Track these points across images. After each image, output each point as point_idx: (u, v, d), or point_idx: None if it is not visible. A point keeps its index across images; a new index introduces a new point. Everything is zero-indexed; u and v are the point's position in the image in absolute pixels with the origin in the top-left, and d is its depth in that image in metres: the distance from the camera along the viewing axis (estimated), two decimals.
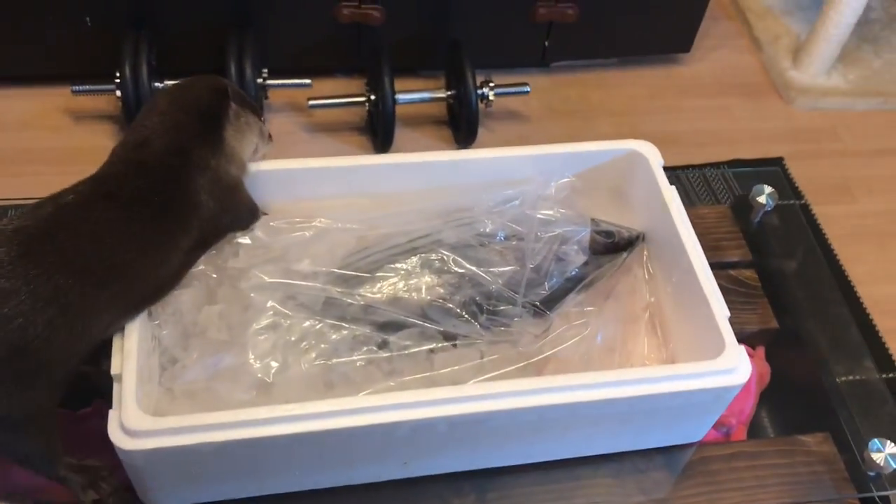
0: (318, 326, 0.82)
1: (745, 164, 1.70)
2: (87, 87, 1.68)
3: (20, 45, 1.71)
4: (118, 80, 1.62)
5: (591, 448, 0.88)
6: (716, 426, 0.94)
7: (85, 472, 0.81)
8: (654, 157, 0.95)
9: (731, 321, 0.84)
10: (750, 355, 1.03)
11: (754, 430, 0.99)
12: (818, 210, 1.60)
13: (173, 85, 0.92)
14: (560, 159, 0.95)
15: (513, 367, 0.83)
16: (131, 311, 0.78)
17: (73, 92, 1.68)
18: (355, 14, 1.71)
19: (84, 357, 0.76)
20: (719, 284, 0.86)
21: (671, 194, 0.92)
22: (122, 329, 0.77)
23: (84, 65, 1.74)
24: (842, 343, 1.04)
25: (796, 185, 1.62)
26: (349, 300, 0.83)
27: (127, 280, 0.76)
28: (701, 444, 0.93)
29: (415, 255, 0.88)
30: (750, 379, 1.00)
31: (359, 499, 0.85)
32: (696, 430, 0.90)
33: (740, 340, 0.83)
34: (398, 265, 0.88)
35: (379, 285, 0.86)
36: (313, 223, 0.89)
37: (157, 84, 1.69)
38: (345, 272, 0.85)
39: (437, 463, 0.84)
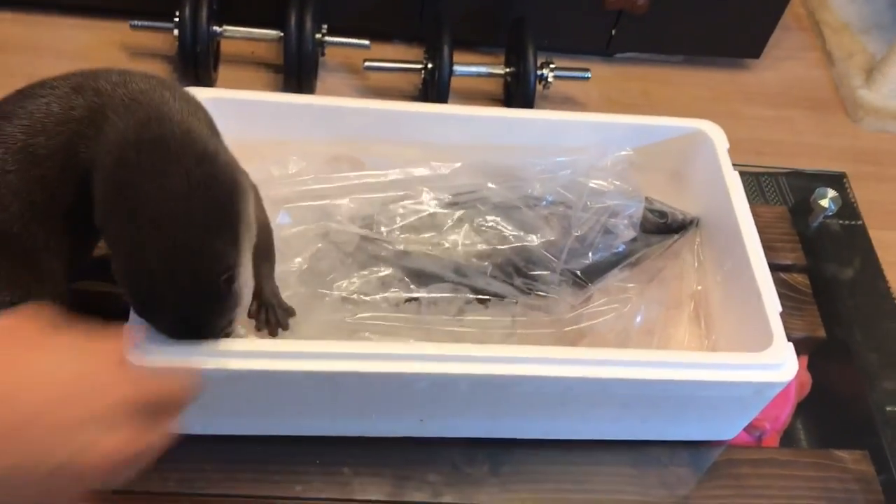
0: (348, 263, 0.79)
1: (804, 176, 1.65)
2: (146, 23, 1.67)
3: None
4: (177, 20, 1.61)
5: (615, 432, 0.84)
6: (748, 429, 0.89)
7: None
8: (720, 140, 0.91)
9: None
10: None
11: (787, 440, 0.94)
12: (874, 234, 1.54)
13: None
14: (620, 130, 0.91)
15: (545, 334, 0.78)
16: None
17: (132, 27, 1.67)
18: None
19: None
20: None
21: (734, 179, 0.88)
22: None
23: (144, 2, 1.73)
24: (893, 362, 0.98)
25: (855, 204, 1.56)
26: (384, 244, 0.80)
27: None
28: (730, 445, 0.88)
29: (456, 209, 0.85)
30: (790, 386, 0.95)
31: (369, 453, 0.81)
32: (728, 428, 0.86)
33: None
34: (437, 218, 0.84)
35: (416, 236, 0.83)
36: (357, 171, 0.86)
37: (215, 28, 1.68)
38: (381, 218, 0.82)
39: (455, 425, 0.81)
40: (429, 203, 0.86)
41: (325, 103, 0.88)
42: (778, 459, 0.89)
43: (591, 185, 0.86)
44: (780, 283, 1.02)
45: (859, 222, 1.51)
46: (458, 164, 0.88)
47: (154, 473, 0.79)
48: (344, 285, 0.79)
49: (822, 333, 0.99)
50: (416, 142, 0.89)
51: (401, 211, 0.84)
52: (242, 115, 0.85)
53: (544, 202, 0.86)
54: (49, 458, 0.40)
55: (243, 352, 0.70)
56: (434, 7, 1.72)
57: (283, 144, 0.87)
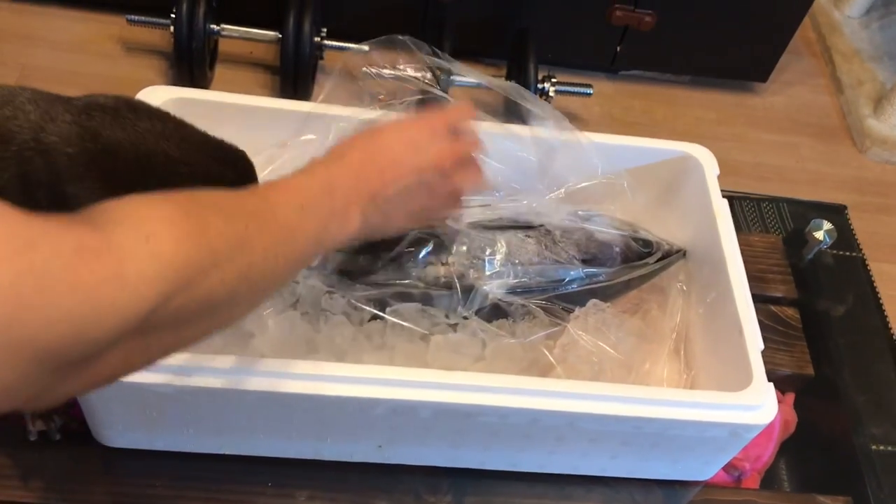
0: (308, 280, 0.75)
1: (805, 204, 1.61)
2: (143, 18, 1.64)
3: None
4: (174, 16, 1.58)
5: (585, 467, 0.80)
6: (727, 468, 0.86)
7: None
8: (710, 166, 0.87)
9: (763, 359, 0.76)
10: (778, 400, 0.94)
11: (768, 480, 0.90)
12: (875, 266, 1.50)
13: (217, 145, 0.67)
14: (609, 150, 0.87)
15: (515, 361, 0.75)
16: None
17: (129, 21, 1.65)
18: None
19: None
20: (757, 318, 0.78)
21: (722, 208, 0.84)
22: None
23: None
24: (882, 404, 0.95)
25: (855, 236, 1.52)
26: (350, 257, 0.76)
27: None
28: (707, 485, 0.84)
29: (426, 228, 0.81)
30: (773, 424, 0.91)
31: (326, 476, 0.78)
32: (704, 468, 0.82)
33: (769, 381, 0.75)
34: (412, 234, 0.80)
35: (384, 253, 0.79)
36: None
37: (213, 26, 1.65)
38: None
39: (416, 452, 0.77)
40: None
41: (286, 107, 0.86)
42: (757, 502, 0.85)
43: (574, 209, 0.82)
44: (769, 316, 0.98)
45: (858, 254, 1.47)
46: None
47: (100, 487, 0.76)
48: (305, 299, 0.75)
49: (810, 371, 0.95)
50: None
51: None
52: (208, 115, 0.82)
53: (523, 224, 0.82)
54: (418, 169, 0.65)
55: (193, 367, 0.67)
56: (437, 15, 1.69)
57: (253, 146, 0.84)
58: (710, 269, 0.82)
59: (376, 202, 0.63)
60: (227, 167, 0.65)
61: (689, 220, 0.88)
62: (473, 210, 0.83)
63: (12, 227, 0.39)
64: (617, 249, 0.82)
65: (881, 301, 1.46)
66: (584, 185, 0.86)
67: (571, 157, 0.86)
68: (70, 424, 0.77)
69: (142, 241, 0.43)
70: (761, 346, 0.75)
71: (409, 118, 0.73)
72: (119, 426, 0.73)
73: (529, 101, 0.88)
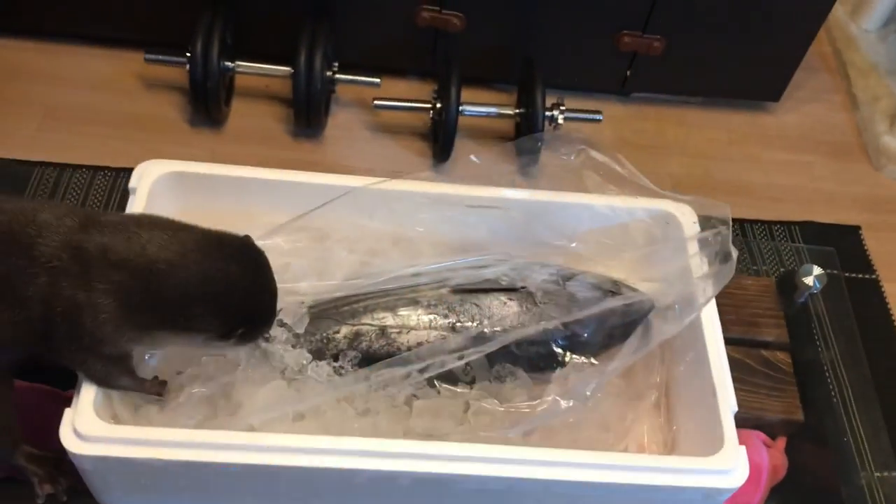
0: (294, 350, 0.78)
1: (818, 227, 1.60)
2: (159, 56, 1.68)
3: (105, 5, 1.73)
4: (189, 55, 1.62)
5: None
6: None
7: (44, 463, 0.79)
8: (690, 225, 0.89)
9: (753, 405, 0.79)
10: (768, 445, 0.96)
11: None
12: (889, 287, 1.49)
13: (218, 239, 0.72)
14: (591, 210, 0.89)
15: (494, 431, 0.77)
16: None
17: (146, 60, 1.69)
18: (435, 19, 1.67)
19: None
20: (748, 364, 0.80)
21: (700, 268, 0.85)
22: None
23: (165, 33, 1.74)
24: (870, 452, 0.95)
25: (870, 257, 1.51)
26: (335, 325, 0.79)
27: None
28: None
29: (416, 291, 0.84)
30: (762, 471, 0.93)
31: None
32: None
33: (759, 427, 0.76)
34: (395, 298, 0.83)
35: (371, 315, 0.82)
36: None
37: (227, 63, 1.69)
38: (334, 295, 0.81)
39: None
40: (388, 281, 0.85)
41: (281, 178, 0.89)
42: None
43: (556, 269, 0.84)
44: (759, 361, 1.00)
45: (872, 276, 1.47)
46: (422, 242, 0.87)
47: None
48: (293, 373, 0.78)
49: (799, 417, 0.96)
50: (376, 217, 0.89)
51: (357, 290, 0.83)
52: (204, 187, 0.85)
53: (506, 287, 0.85)
54: None
55: (180, 442, 0.70)
56: (447, 45, 1.71)
57: (248, 216, 0.87)
58: (689, 328, 0.84)
59: None
60: (230, 262, 0.70)
61: (671, 278, 0.89)
62: (457, 273, 0.86)
63: None
64: (596, 311, 0.84)
65: (894, 322, 1.45)
66: (566, 244, 0.88)
67: (554, 217, 0.89)
68: (77, 486, 0.81)
69: None
70: (734, 408, 0.77)
71: None
72: (117, 492, 0.77)
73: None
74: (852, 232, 1.64)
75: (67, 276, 0.67)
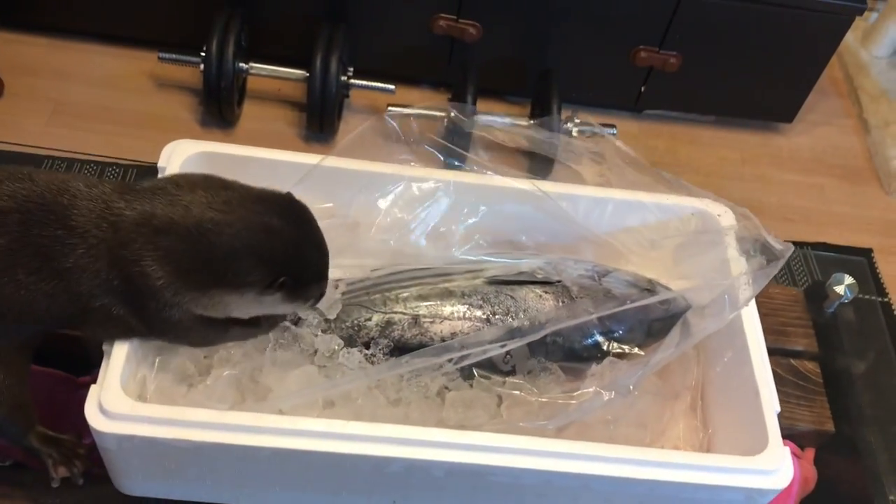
0: (325, 335, 0.76)
1: (830, 248, 1.59)
2: (173, 56, 1.67)
3: (121, 4, 1.72)
4: (203, 55, 1.61)
5: None
6: None
7: (59, 445, 0.76)
8: (728, 222, 0.87)
9: (782, 416, 0.76)
10: (797, 456, 0.94)
11: None
12: None
13: (259, 195, 0.71)
14: (628, 206, 0.88)
15: (529, 423, 0.75)
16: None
17: (160, 59, 1.67)
18: (451, 27, 1.66)
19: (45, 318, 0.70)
20: (776, 373, 0.78)
21: (739, 267, 0.84)
22: None
23: (179, 33, 1.73)
24: None
25: (882, 280, 1.50)
26: (367, 312, 0.77)
27: None
28: None
29: (449, 281, 0.82)
30: (792, 482, 0.90)
31: None
32: None
33: (789, 437, 0.74)
34: (428, 287, 0.81)
35: (404, 304, 0.80)
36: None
37: (241, 65, 1.67)
38: (366, 283, 0.79)
39: None
40: (421, 272, 0.83)
41: (312, 162, 0.87)
42: None
43: (592, 265, 0.83)
44: (789, 370, 0.98)
45: (884, 300, 1.46)
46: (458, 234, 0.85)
47: None
48: (323, 354, 0.76)
49: (830, 427, 0.94)
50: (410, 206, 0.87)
51: (388, 279, 0.81)
52: (233, 169, 0.83)
53: (541, 280, 0.83)
54: None
55: (211, 423, 0.68)
56: (463, 54, 1.71)
57: None
58: (727, 328, 0.82)
59: None
60: (271, 216, 0.69)
61: (708, 277, 0.88)
62: (491, 264, 0.84)
63: None
64: (633, 307, 0.82)
65: None
66: (603, 240, 0.86)
67: (589, 212, 0.87)
68: (92, 469, 0.78)
69: None
70: (777, 408, 0.75)
71: None
72: (138, 476, 0.74)
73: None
74: (864, 254, 1.63)
75: (113, 246, 0.65)
